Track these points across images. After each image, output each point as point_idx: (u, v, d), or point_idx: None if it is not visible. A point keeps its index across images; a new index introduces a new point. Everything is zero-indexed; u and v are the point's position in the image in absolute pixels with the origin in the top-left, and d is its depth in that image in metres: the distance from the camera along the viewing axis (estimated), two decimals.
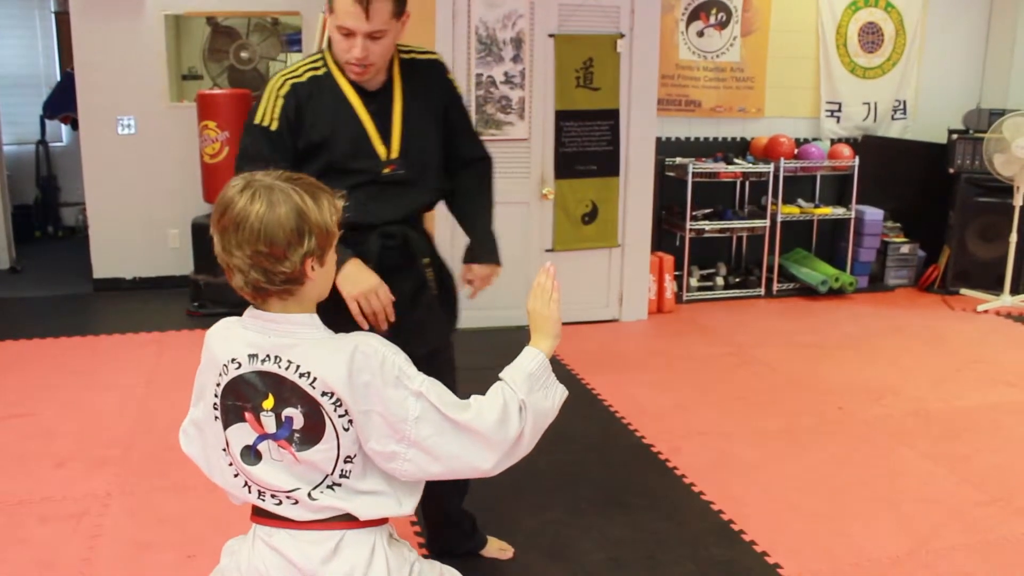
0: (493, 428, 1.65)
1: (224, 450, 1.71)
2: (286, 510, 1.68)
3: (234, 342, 1.66)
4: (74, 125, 7.92)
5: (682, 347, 5.40)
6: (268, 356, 1.62)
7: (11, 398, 4.43)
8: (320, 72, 2.40)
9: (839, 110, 6.89)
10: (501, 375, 1.74)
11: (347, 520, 1.67)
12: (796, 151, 6.51)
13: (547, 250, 5.60)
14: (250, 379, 1.63)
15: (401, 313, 2.43)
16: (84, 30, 6.28)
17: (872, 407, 4.46)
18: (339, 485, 1.66)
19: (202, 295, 5.87)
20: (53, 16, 8.76)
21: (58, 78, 8.57)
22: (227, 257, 1.60)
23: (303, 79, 2.38)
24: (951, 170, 6.49)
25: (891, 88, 7.02)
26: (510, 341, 5.47)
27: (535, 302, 1.81)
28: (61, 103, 7.89)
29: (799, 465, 3.81)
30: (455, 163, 2.65)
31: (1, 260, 7.11)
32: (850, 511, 3.41)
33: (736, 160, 6.44)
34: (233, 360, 1.64)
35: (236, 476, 1.71)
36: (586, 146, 5.55)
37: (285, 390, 1.62)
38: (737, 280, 6.57)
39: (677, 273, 6.26)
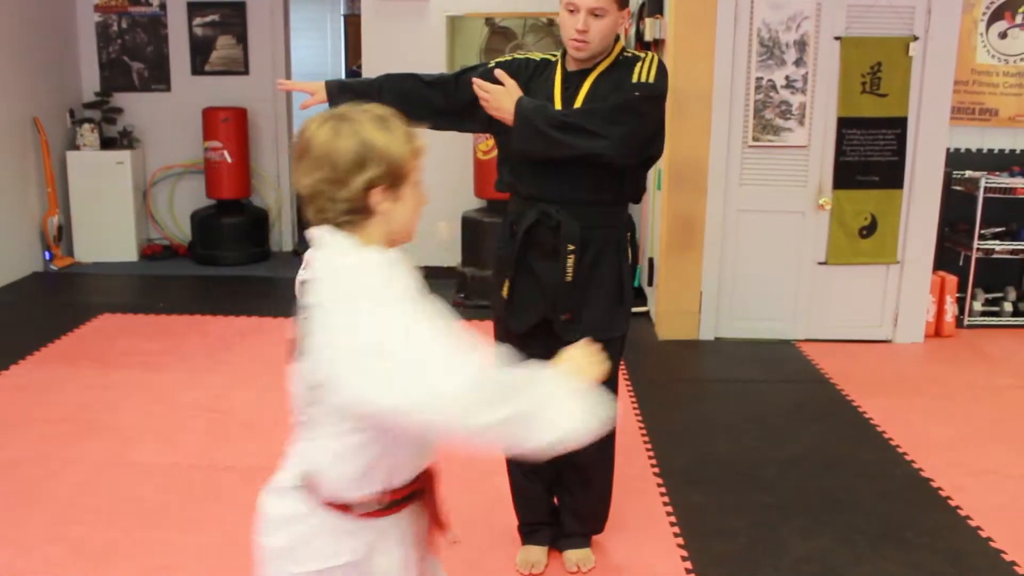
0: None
1: None
2: None
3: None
4: None
5: (964, 375, 4.99)
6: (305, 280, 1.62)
7: None
8: (552, 60, 2.76)
9: None
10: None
11: None
12: None
13: (820, 263, 5.34)
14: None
15: (544, 293, 2.72)
16: (373, 31, 6.65)
17: None
18: None
19: (467, 287, 6.06)
20: (342, 18, 9.37)
21: (343, 75, 9.15)
22: (297, 185, 1.59)
23: (538, 59, 2.78)
24: None
25: None
26: (779, 354, 5.35)
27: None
28: (345, 100, 8.40)
29: None
30: None
31: (285, 243, 7.68)
32: None
33: None
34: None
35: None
36: (869, 155, 5.24)
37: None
38: None
39: (959, 295, 5.80)
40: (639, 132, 2.58)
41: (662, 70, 2.64)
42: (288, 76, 7.56)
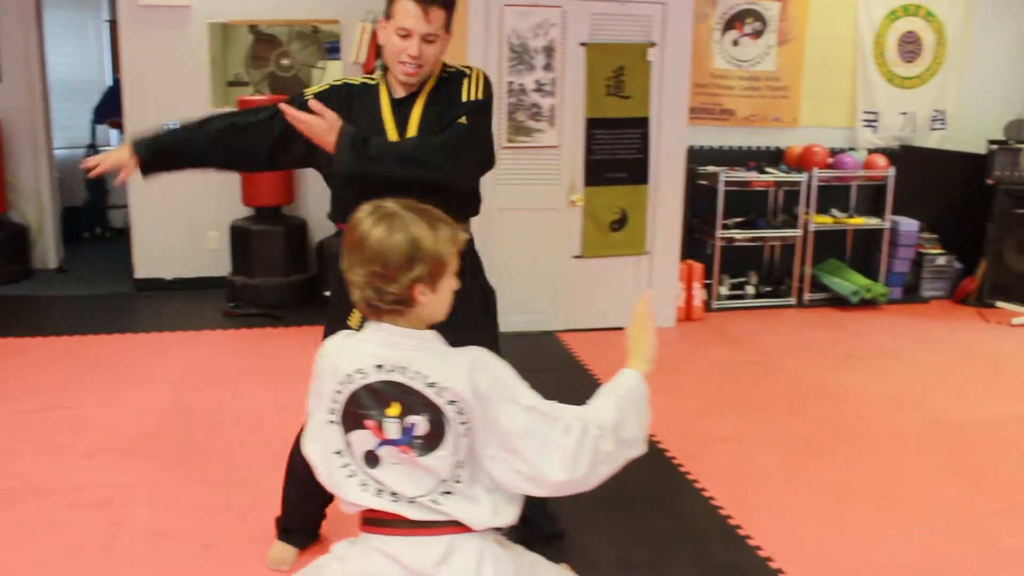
0: (573, 451, 1.76)
1: (338, 453, 1.80)
2: (402, 508, 1.77)
3: (357, 354, 1.77)
4: (123, 129, 8.17)
5: (708, 355, 5.42)
6: (395, 367, 1.74)
7: (51, 391, 4.59)
8: (372, 83, 2.74)
9: (876, 120, 6.85)
10: (596, 397, 1.84)
11: (456, 526, 1.77)
12: (831, 160, 6.49)
13: (575, 256, 5.65)
14: (377, 388, 1.74)
15: None
16: (132, 39, 6.48)
17: (893, 418, 4.44)
18: (451, 492, 1.76)
19: (238, 296, 6.02)
20: (107, 24, 9.03)
21: (108, 82, 8.82)
22: (349, 273, 1.75)
23: (356, 84, 2.76)
24: (990, 181, 6.42)
25: (930, 98, 6.97)
26: (540, 345, 5.60)
27: (634, 327, 1.93)
28: (110, 108, 8.12)
29: (813, 473, 3.82)
30: None
31: (49, 260, 7.34)
32: (858, 520, 3.41)
33: (769, 169, 6.43)
34: (359, 371, 1.75)
35: (351, 476, 1.80)
36: (616, 154, 5.60)
37: (411, 398, 1.73)
38: (768, 289, 6.56)
39: (707, 282, 6.27)
40: (478, 157, 2.68)
41: (487, 84, 2.71)
42: (45, 83, 7.22)
